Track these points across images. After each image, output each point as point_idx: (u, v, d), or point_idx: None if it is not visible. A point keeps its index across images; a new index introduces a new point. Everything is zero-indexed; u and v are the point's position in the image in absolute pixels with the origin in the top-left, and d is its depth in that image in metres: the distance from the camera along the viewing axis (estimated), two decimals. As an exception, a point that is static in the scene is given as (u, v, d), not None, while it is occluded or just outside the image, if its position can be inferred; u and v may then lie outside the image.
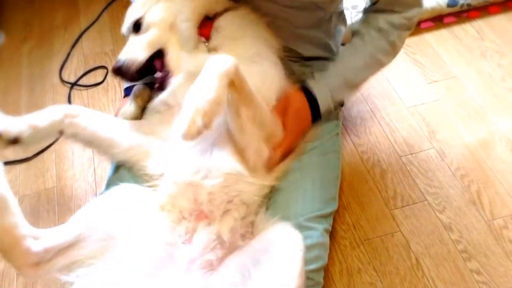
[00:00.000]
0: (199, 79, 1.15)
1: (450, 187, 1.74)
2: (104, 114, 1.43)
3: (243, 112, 1.25)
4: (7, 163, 1.95)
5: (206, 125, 1.09)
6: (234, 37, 1.42)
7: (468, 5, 2.33)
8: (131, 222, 1.24)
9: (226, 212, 1.28)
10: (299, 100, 1.47)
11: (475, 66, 2.14)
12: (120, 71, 1.38)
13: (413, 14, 1.51)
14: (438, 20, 2.34)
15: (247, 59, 1.35)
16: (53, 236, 1.19)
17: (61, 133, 1.32)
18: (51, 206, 1.83)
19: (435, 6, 2.30)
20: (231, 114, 1.25)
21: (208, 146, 1.31)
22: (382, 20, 1.50)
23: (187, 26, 1.40)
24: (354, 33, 1.57)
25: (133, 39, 1.42)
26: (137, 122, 1.45)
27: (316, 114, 1.50)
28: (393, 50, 1.56)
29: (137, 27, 1.42)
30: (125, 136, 1.38)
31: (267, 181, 1.37)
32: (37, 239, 1.16)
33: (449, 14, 2.34)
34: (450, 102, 2.01)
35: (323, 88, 1.50)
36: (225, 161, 1.29)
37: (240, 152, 1.31)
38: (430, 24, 2.32)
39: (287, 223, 1.29)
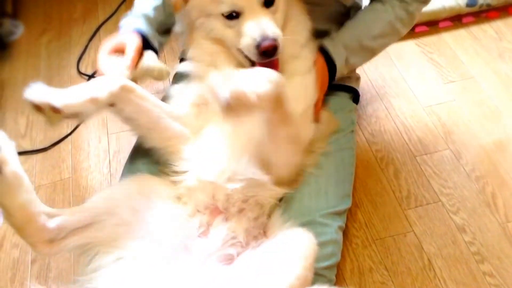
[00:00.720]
0: (246, 73, 1.08)
1: (465, 188, 1.73)
2: (152, 95, 1.34)
3: (280, 131, 1.21)
4: (23, 152, 1.98)
5: (238, 107, 1.02)
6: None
7: (488, 5, 2.31)
8: (146, 210, 1.25)
9: (240, 211, 1.29)
10: (321, 62, 1.45)
11: (492, 67, 2.12)
12: (276, 48, 1.22)
13: None
14: (456, 19, 2.32)
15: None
16: (68, 215, 1.19)
17: (111, 105, 1.25)
18: (66, 196, 1.86)
19: (454, 6, 2.28)
20: (268, 131, 1.21)
21: (237, 150, 1.29)
22: None
23: (307, 36, 1.39)
24: None
25: (268, 15, 1.26)
26: (181, 112, 1.37)
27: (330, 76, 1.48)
28: (410, 21, 1.54)
29: (269, 2, 1.27)
30: (169, 124, 1.33)
31: (288, 189, 1.36)
32: (52, 217, 1.17)
33: (468, 14, 2.32)
34: (466, 102, 2.00)
35: (340, 51, 1.47)
36: (251, 168, 1.28)
37: (267, 164, 1.28)
38: (448, 23, 2.30)
39: (301, 219, 1.30)
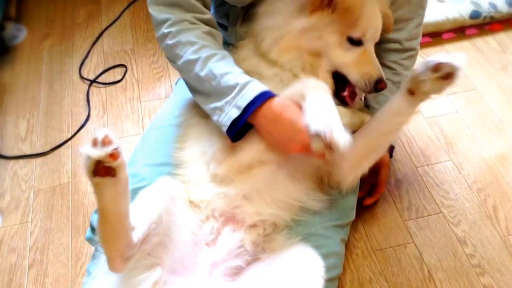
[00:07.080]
0: None
1: (466, 200, 1.72)
2: None
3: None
4: (23, 156, 1.97)
5: None
6: None
7: (491, 17, 2.31)
8: (174, 216, 1.20)
9: (253, 226, 1.27)
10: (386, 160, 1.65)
11: (495, 79, 2.11)
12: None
13: (416, 32, 1.53)
14: (460, 31, 2.32)
15: None
16: (140, 228, 1.11)
17: None
18: (65, 201, 1.84)
19: (457, 17, 2.28)
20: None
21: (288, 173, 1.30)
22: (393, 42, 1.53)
23: None
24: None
25: None
26: None
27: None
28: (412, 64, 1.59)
29: None
30: None
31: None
32: (133, 229, 1.10)
33: (471, 26, 2.33)
34: (469, 114, 1.99)
35: None
36: (296, 192, 1.30)
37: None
38: (451, 35, 2.31)
39: (303, 231, 1.30)
